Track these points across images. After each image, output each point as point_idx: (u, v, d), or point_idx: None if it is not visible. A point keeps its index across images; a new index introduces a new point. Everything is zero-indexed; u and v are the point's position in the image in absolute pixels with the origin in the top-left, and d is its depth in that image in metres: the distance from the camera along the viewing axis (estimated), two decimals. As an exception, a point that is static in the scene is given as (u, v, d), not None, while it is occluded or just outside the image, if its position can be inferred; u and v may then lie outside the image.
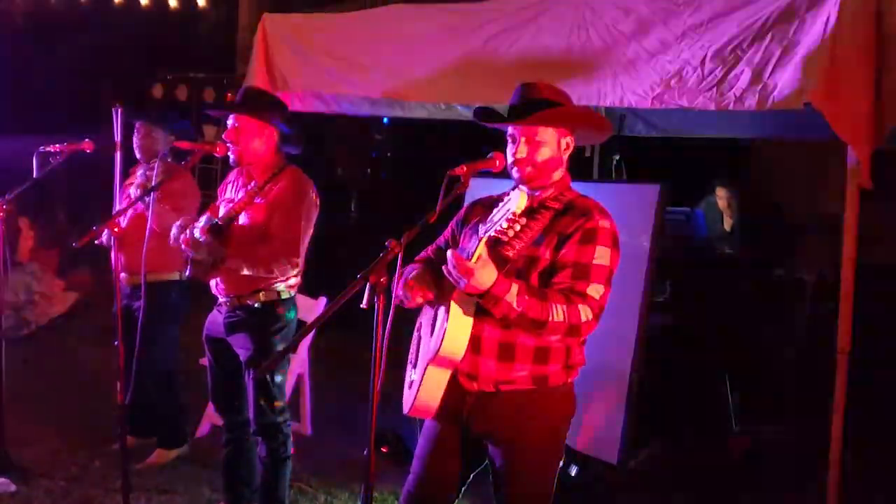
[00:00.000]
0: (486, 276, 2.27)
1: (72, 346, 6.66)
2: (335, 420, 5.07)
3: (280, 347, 3.45)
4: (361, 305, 2.27)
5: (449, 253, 2.34)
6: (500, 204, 2.30)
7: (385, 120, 7.05)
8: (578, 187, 2.65)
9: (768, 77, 2.95)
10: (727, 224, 6.00)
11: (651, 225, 4.36)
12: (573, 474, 4.14)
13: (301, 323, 4.59)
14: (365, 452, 2.27)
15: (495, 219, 2.26)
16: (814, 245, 6.08)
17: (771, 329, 5.69)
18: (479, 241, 2.33)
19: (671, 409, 4.98)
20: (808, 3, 2.92)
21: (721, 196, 5.94)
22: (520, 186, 2.58)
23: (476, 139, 4.20)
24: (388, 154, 7.86)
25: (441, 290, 2.57)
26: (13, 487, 3.92)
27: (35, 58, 9.67)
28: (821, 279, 5.69)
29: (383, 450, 4.54)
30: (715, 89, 3.08)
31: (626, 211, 4.45)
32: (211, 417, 4.61)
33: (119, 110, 4.54)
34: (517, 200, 2.22)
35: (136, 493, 3.84)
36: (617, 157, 5.64)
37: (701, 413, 5.15)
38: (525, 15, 3.69)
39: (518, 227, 2.26)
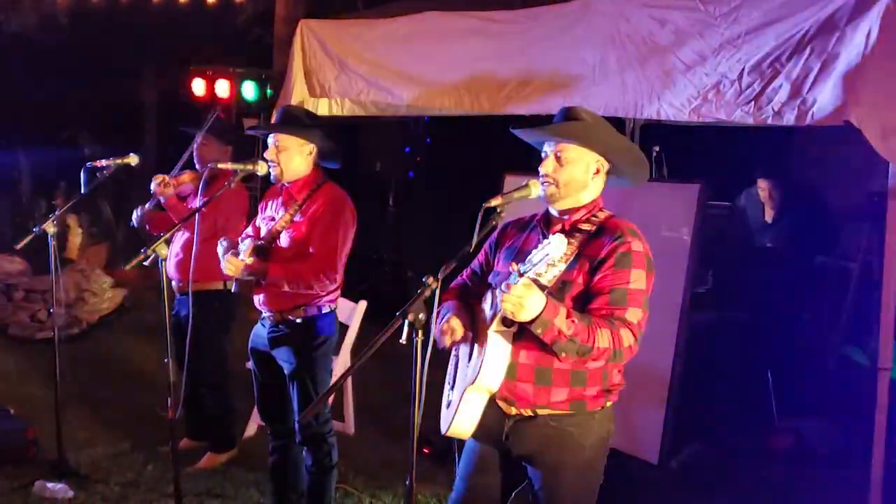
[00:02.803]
0: (535, 302, 2.27)
1: (122, 343, 6.84)
2: (377, 418, 5.16)
3: (321, 361, 3.57)
4: (400, 341, 2.30)
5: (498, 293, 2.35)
6: (541, 245, 2.28)
7: (426, 117, 7.06)
8: (618, 183, 2.63)
9: (807, 92, 2.91)
10: (768, 215, 5.93)
11: (692, 224, 4.35)
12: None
13: (342, 326, 4.71)
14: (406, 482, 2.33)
15: (534, 260, 2.25)
16: (857, 233, 5.98)
17: (814, 321, 5.63)
18: (519, 278, 2.31)
19: (712, 405, 4.97)
20: (848, 15, 2.86)
21: (762, 187, 5.87)
22: (552, 217, 2.60)
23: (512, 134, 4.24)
24: (426, 149, 7.87)
25: (478, 321, 2.60)
26: (71, 493, 4.07)
27: (76, 54, 9.82)
28: (865, 267, 5.60)
29: (425, 451, 4.61)
30: (753, 103, 3.04)
31: (667, 209, 4.46)
32: (258, 419, 4.72)
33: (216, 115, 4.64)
34: (559, 247, 2.18)
35: (188, 498, 3.97)
36: (657, 149, 5.58)
37: (742, 409, 5.14)
38: (560, 24, 3.67)
39: (557, 272, 2.26)
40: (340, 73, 4.73)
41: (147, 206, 4.39)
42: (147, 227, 4.47)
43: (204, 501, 4.09)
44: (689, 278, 4.33)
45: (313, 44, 4.86)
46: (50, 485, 4.09)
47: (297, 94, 4.92)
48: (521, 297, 2.25)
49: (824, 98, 2.87)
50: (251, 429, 4.88)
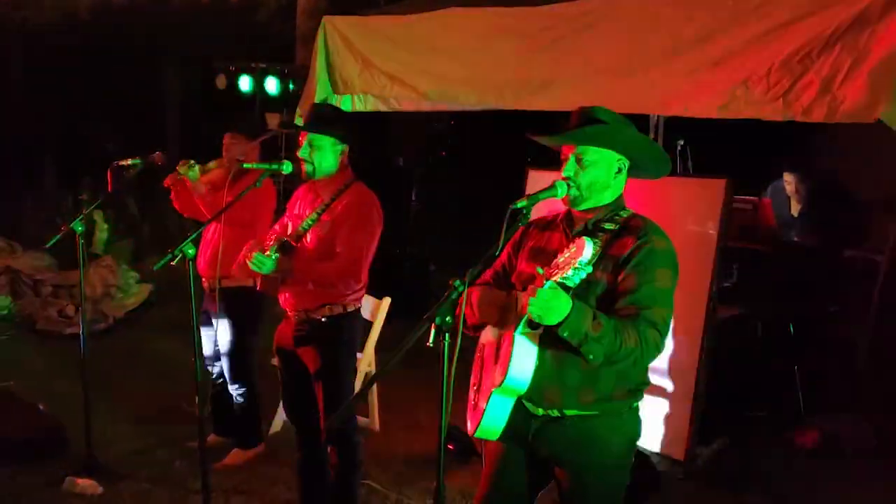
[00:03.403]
0: (561, 304, 2.25)
1: (148, 338, 6.90)
2: (401, 414, 5.18)
3: (346, 360, 3.59)
4: (427, 344, 2.30)
5: (523, 296, 2.33)
6: (568, 249, 2.26)
7: (449, 120, 7.07)
8: (639, 176, 2.60)
9: (838, 89, 2.86)
10: (795, 209, 5.87)
11: (718, 219, 4.32)
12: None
13: (366, 323, 4.72)
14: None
15: (560, 262, 2.24)
16: (885, 225, 5.90)
17: (842, 314, 5.58)
18: (546, 284, 2.29)
19: (738, 401, 4.94)
20: (880, 11, 2.81)
21: (789, 181, 5.82)
22: (571, 211, 2.58)
23: (533, 126, 4.21)
24: (449, 143, 7.86)
25: (504, 315, 2.59)
26: (100, 489, 4.12)
27: (98, 51, 9.89)
28: (893, 259, 5.53)
29: (450, 447, 4.62)
30: (781, 100, 3.00)
31: (693, 205, 4.43)
32: (283, 416, 4.74)
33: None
34: (585, 251, 2.18)
35: (215, 494, 4.00)
36: (681, 143, 5.54)
37: (769, 405, 5.10)
38: (585, 20, 3.64)
39: (584, 275, 2.25)
40: (364, 70, 4.72)
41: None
42: (172, 195, 4.44)
43: (231, 498, 4.12)
44: (715, 274, 4.31)
45: (336, 40, 4.85)
46: (80, 481, 4.14)
47: (321, 90, 4.92)
48: (548, 301, 2.23)
49: (855, 95, 2.83)
50: (277, 425, 4.91)
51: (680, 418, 4.40)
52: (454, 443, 4.65)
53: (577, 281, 2.25)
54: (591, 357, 2.36)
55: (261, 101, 8.38)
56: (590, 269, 2.24)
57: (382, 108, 5.03)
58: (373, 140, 3.77)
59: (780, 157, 6.10)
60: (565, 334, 2.30)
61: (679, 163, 5.48)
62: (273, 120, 8.05)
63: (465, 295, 2.32)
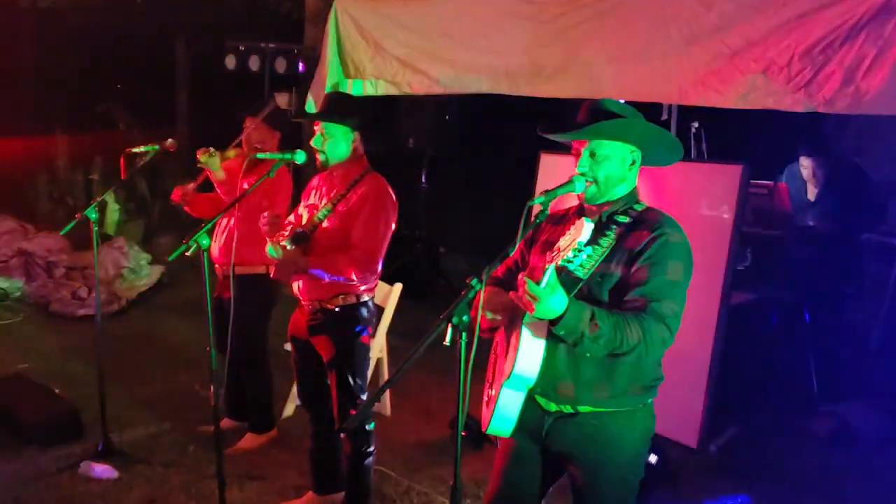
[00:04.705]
0: (556, 303, 2.23)
1: (160, 320, 6.92)
2: (412, 399, 5.19)
3: (359, 349, 3.59)
4: (444, 343, 2.28)
5: (520, 277, 2.32)
6: (568, 231, 2.27)
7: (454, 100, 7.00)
8: (651, 163, 2.58)
9: (861, 79, 2.82)
10: (811, 193, 5.81)
11: (734, 206, 4.27)
12: (653, 462, 4.14)
13: (378, 308, 4.71)
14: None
15: (562, 245, 2.24)
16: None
17: (858, 298, 5.54)
18: (547, 268, 2.29)
19: (752, 388, 4.92)
20: (905, 0, 2.76)
21: (805, 165, 5.75)
22: (587, 209, 2.56)
23: (545, 109, 4.17)
24: (459, 125, 7.80)
25: (513, 312, 2.58)
26: (116, 474, 4.14)
27: (109, 30, 9.85)
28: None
29: (462, 434, 4.62)
30: (803, 90, 2.95)
31: (709, 191, 4.38)
32: (296, 400, 4.76)
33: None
34: (584, 231, 2.19)
35: (228, 479, 4.01)
36: (696, 126, 5.47)
37: (783, 392, 5.08)
38: (601, 7, 3.58)
39: (585, 256, 2.23)
40: (375, 54, 4.68)
41: (191, 185, 4.36)
42: (185, 207, 4.46)
43: (245, 483, 4.14)
44: (730, 261, 4.26)
45: (348, 24, 4.80)
46: (95, 465, 4.17)
47: (332, 75, 4.88)
48: (542, 295, 2.19)
49: (879, 86, 2.78)
50: (289, 409, 4.93)
51: (692, 405, 4.38)
52: (467, 430, 4.65)
53: (583, 265, 2.23)
54: (588, 355, 2.39)
55: (269, 81, 8.36)
56: (591, 251, 2.24)
57: (394, 92, 4.98)
58: (383, 122, 3.73)
59: (795, 139, 6.02)
60: (561, 333, 2.30)
61: (692, 146, 5.42)
62: (282, 99, 8.02)
63: (481, 294, 2.31)
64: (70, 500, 3.91)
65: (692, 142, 5.42)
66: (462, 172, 8.07)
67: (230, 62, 8.50)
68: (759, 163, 4.93)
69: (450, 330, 2.24)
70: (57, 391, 4.93)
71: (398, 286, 4.88)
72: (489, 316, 2.59)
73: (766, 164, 5.80)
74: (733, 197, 4.25)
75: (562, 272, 2.30)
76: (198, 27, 9.77)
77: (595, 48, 3.61)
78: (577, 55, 3.67)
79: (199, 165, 4.15)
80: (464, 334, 2.25)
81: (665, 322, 2.36)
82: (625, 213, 2.52)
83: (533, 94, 3.91)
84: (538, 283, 2.22)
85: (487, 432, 2.65)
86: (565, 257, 2.23)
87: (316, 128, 3.48)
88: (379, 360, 4.94)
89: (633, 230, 2.48)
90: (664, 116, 5.21)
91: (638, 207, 2.55)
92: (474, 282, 2.29)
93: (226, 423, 4.66)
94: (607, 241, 2.42)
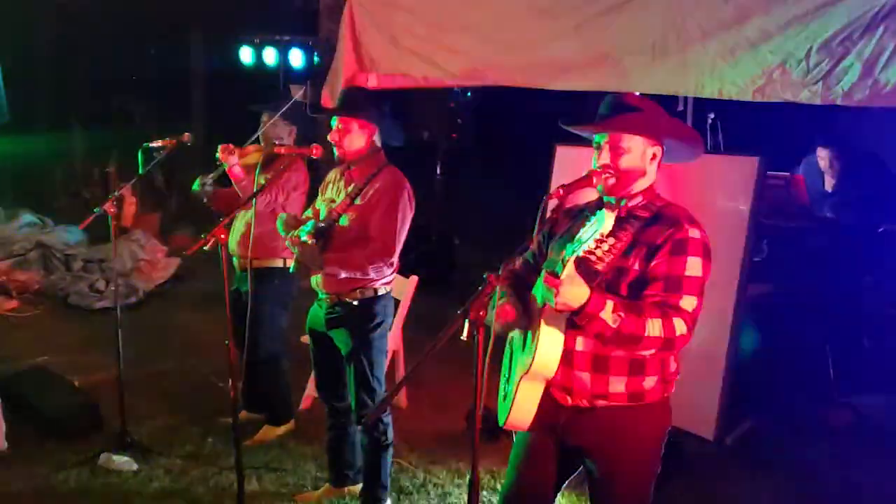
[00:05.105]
0: (577, 294, 2.26)
1: (177, 312, 6.98)
2: (430, 391, 5.20)
3: (377, 343, 3.60)
4: (461, 338, 2.29)
5: (543, 273, 2.34)
6: (588, 222, 2.28)
7: (468, 93, 7.00)
8: (673, 160, 2.57)
9: (880, 72, 2.79)
10: (828, 184, 5.77)
11: (750, 198, 4.25)
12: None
13: (394, 301, 4.73)
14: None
15: (583, 238, 2.25)
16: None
17: (876, 290, 5.50)
18: (567, 260, 2.31)
19: (769, 380, 4.91)
20: (925, -9, 2.73)
21: (822, 156, 5.71)
22: (604, 198, 2.56)
23: (560, 101, 4.15)
24: (473, 116, 7.81)
25: (529, 307, 2.59)
26: (135, 466, 4.19)
27: (124, 24, 9.88)
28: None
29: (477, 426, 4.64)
30: (821, 83, 2.93)
31: (725, 182, 4.36)
32: (313, 392, 4.79)
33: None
34: (604, 222, 2.21)
35: (247, 471, 4.05)
36: (712, 117, 5.45)
37: (800, 383, 5.06)
38: (618, 0, 3.56)
39: (606, 247, 2.24)
40: (390, 47, 4.68)
41: (210, 176, 4.38)
42: (206, 200, 4.47)
43: (263, 475, 4.17)
44: (746, 253, 4.25)
45: (363, 17, 4.81)
46: (115, 457, 4.21)
47: (347, 68, 4.88)
48: (562, 286, 2.23)
49: (899, 79, 2.76)
50: (306, 401, 4.96)
51: (710, 397, 4.38)
52: (483, 422, 4.66)
53: (603, 257, 2.24)
54: (606, 348, 2.41)
55: (284, 74, 8.36)
56: (613, 241, 2.25)
57: (409, 85, 4.99)
58: (399, 116, 3.75)
59: (812, 130, 5.97)
60: (582, 323, 2.32)
61: (709, 136, 5.40)
62: (297, 91, 8.02)
63: (499, 289, 2.32)
64: (90, 492, 3.96)
65: (708, 133, 5.40)
66: (477, 164, 8.06)
67: (246, 55, 8.51)
68: (776, 154, 4.90)
69: (467, 324, 2.26)
70: (76, 383, 4.99)
71: (413, 278, 4.89)
72: (497, 329, 2.60)
73: (783, 155, 5.76)
74: (750, 189, 4.24)
75: (581, 264, 2.32)
76: (213, 19, 9.79)
77: (612, 41, 3.59)
78: (594, 48, 3.65)
79: (217, 163, 4.16)
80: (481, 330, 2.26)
81: (684, 317, 2.37)
82: (645, 207, 2.52)
83: (549, 87, 3.89)
84: (558, 275, 2.24)
85: (506, 427, 2.66)
86: (585, 249, 2.24)
87: (334, 122, 3.49)
88: (395, 353, 4.96)
89: (653, 225, 2.48)
90: (680, 108, 5.20)
91: (658, 202, 2.55)
92: (491, 278, 2.29)
93: (243, 414, 4.70)
94: (627, 236, 2.43)
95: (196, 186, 4.37)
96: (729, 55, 3.21)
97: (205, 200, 4.46)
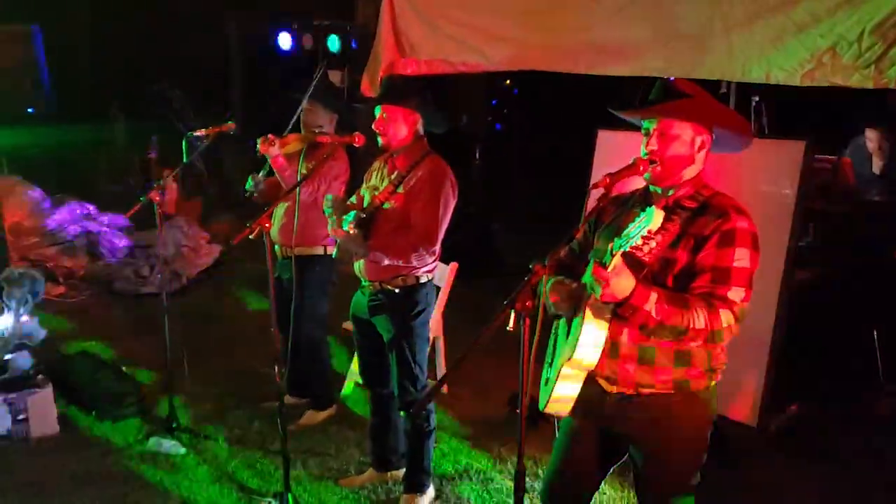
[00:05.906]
0: (623, 285, 2.26)
1: (220, 298, 7.05)
2: (468, 376, 5.20)
3: (419, 330, 3.63)
4: (507, 328, 2.30)
5: (592, 264, 2.33)
6: (637, 217, 2.26)
7: (507, 80, 6.96)
8: (722, 150, 2.54)
9: (934, 55, 2.72)
10: (877, 167, 5.66)
11: (796, 182, 4.18)
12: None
13: (435, 288, 4.74)
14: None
15: (631, 233, 2.23)
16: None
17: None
18: (615, 254, 2.30)
19: (814, 366, 4.84)
20: (984, -29, 2.65)
21: (871, 138, 5.60)
22: (653, 193, 2.54)
23: (598, 86, 4.10)
24: (512, 102, 7.76)
25: (577, 296, 2.58)
26: (182, 450, 4.28)
27: (163, 10, 9.98)
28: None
29: (517, 411, 4.64)
30: (874, 67, 2.86)
31: (771, 167, 4.30)
32: (356, 378, 4.84)
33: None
34: (653, 219, 2.18)
35: (292, 455, 4.10)
36: (756, 99, 5.36)
37: (846, 370, 4.98)
38: (662, -17, 3.51)
39: (654, 244, 2.23)
40: (430, 33, 4.67)
41: (261, 174, 4.41)
42: (256, 195, 4.44)
43: (307, 459, 4.23)
44: (793, 238, 4.19)
45: (402, 4, 4.80)
46: (164, 441, 4.30)
47: (387, 54, 4.88)
48: (609, 277, 2.23)
49: (954, 62, 2.68)
50: (348, 387, 5.01)
51: (754, 383, 4.33)
52: (526, 409, 4.67)
53: (647, 250, 2.23)
54: (652, 338, 2.40)
55: (322, 59, 8.38)
56: (660, 238, 2.24)
57: (449, 71, 4.97)
58: (440, 102, 3.74)
59: (859, 111, 5.85)
60: (627, 314, 2.32)
61: (753, 120, 5.31)
62: (335, 77, 8.05)
63: (545, 279, 2.31)
64: (138, 476, 4.05)
65: (752, 116, 5.31)
66: (516, 149, 8.02)
67: (284, 41, 8.54)
68: (821, 136, 4.80)
69: (513, 315, 2.26)
70: (123, 368, 5.09)
71: (453, 265, 4.90)
72: (551, 310, 2.60)
73: (829, 138, 5.65)
74: (796, 174, 4.16)
75: (628, 256, 2.31)
76: (250, 5, 9.84)
77: (657, 25, 3.54)
78: (639, 33, 3.60)
79: (258, 155, 4.18)
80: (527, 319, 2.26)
81: (732, 309, 2.36)
82: (692, 198, 2.50)
83: (594, 72, 3.86)
84: (606, 266, 2.24)
85: (546, 411, 2.67)
86: (632, 245, 2.23)
87: (378, 111, 3.50)
88: (435, 339, 4.98)
89: (700, 216, 2.45)
90: (723, 90, 5.11)
91: (705, 192, 2.52)
92: (537, 268, 2.29)
93: (286, 399, 4.75)
94: (674, 227, 2.41)
95: (249, 184, 4.40)
96: (777, 39, 3.15)
97: (255, 196, 4.49)
